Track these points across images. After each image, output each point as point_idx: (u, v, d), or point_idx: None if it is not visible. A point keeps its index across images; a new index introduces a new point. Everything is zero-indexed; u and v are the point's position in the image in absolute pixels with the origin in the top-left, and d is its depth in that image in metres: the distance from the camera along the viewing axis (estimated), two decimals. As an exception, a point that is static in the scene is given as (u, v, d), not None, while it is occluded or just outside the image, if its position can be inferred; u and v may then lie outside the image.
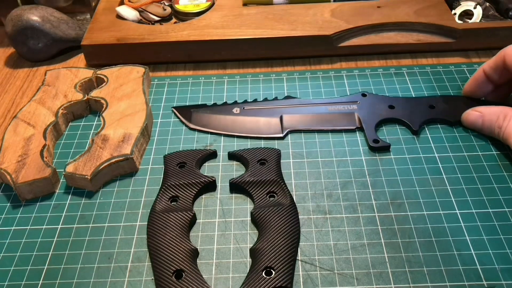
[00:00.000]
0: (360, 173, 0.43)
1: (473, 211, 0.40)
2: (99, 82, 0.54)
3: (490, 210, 0.40)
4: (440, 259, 0.37)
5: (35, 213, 0.42)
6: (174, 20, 0.63)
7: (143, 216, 0.41)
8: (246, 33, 0.56)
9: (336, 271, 0.36)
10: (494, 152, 0.45)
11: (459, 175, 0.43)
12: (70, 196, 0.43)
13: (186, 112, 0.50)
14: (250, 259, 0.37)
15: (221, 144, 0.47)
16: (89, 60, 0.58)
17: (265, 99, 0.51)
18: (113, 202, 0.42)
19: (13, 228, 0.41)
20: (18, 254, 0.39)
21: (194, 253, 0.37)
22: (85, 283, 0.36)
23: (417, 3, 0.59)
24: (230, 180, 0.42)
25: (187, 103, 0.52)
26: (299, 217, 0.40)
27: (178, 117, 0.50)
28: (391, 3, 0.60)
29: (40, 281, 0.37)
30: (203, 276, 0.36)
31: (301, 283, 0.35)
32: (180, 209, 0.40)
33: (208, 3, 0.62)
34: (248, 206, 0.41)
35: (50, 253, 0.39)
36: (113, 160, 0.43)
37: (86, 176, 0.42)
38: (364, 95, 0.50)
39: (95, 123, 0.51)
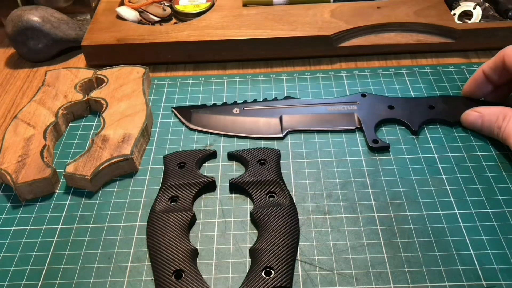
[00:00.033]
0: (359, 173, 0.43)
1: (473, 211, 0.40)
2: (99, 82, 0.54)
3: (489, 210, 0.40)
4: (440, 259, 0.37)
5: (35, 213, 0.42)
6: (174, 20, 0.63)
7: (143, 216, 0.41)
8: (246, 33, 0.56)
9: (335, 271, 0.36)
10: (494, 153, 0.45)
11: (459, 175, 0.43)
12: (70, 196, 0.43)
13: (186, 113, 0.50)
14: (250, 259, 0.37)
15: (220, 144, 0.47)
16: (89, 61, 0.58)
17: (265, 100, 0.52)
18: (113, 202, 0.42)
19: (13, 228, 0.41)
20: (18, 254, 0.39)
21: (194, 253, 0.37)
22: (85, 283, 0.36)
23: (417, 3, 0.59)
24: (229, 180, 0.42)
25: (187, 104, 0.52)
26: (299, 217, 0.40)
27: (178, 118, 0.50)
28: (391, 3, 0.60)
29: (40, 281, 0.37)
30: (203, 276, 0.36)
31: (301, 283, 0.36)
32: (180, 209, 0.40)
33: (208, 3, 0.62)
34: (248, 206, 0.41)
35: (50, 253, 0.39)
36: (113, 161, 0.43)
37: (86, 176, 0.42)
38: (363, 95, 0.51)
39: (95, 123, 0.51)
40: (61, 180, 0.44)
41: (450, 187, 0.42)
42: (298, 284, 0.36)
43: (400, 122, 0.48)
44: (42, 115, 0.49)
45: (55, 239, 0.40)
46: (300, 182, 0.43)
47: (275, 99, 0.52)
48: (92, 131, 0.50)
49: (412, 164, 0.44)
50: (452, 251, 0.37)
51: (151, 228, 0.39)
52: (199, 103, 0.52)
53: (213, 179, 0.43)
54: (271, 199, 0.41)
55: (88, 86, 0.54)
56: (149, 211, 0.41)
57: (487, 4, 0.60)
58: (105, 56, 0.57)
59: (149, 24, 0.61)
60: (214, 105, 0.51)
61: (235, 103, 0.51)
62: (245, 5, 0.62)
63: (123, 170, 0.44)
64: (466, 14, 0.60)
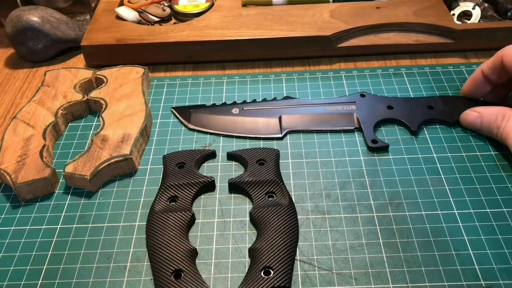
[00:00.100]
0: (358, 173, 0.43)
1: (471, 211, 0.40)
2: (98, 82, 0.54)
3: (488, 210, 0.40)
4: (438, 259, 0.37)
5: (35, 213, 0.42)
6: (173, 20, 0.63)
7: (142, 216, 0.41)
8: (245, 33, 0.57)
9: (334, 271, 0.36)
10: (493, 153, 0.45)
11: (458, 175, 0.43)
12: (69, 196, 0.43)
13: (185, 113, 0.51)
14: (249, 259, 0.37)
15: (220, 145, 0.47)
16: (89, 61, 0.58)
17: (264, 100, 0.52)
18: (112, 202, 0.42)
19: (13, 228, 0.41)
20: (17, 254, 0.39)
21: (193, 253, 0.37)
22: (84, 283, 0.36)
23: (416, 3, 0.59)
24: (229, 180, 0.43)
25: (186, 104, 0.52)
26: (298, 217, 0.40)
27: (177, 118, 0.50)
28: (390, 4, 0.60)
29: (40, 281, 0.37)
30: (202, 276, 0.36)
31: (300, 283, 0.36)
32: (179, 209, 0.40)
33: (208, 3, 0.62)
34: (247, 206, 0.41)
35: (50, 253, 0.39)
36: (113, 161, 0.43)
37: (86, 176, 0.42)
38: (363, 95, 0.51)
39: (94, 123, 0.51)
40: (60, 180, 0.45)
41: (449, 187, 0.42)
42: (297, 284, 0.36)
43: (399, 122, 0.48)
44: (42, 115, 0.49)
45: (54, 239, 0.40)
46: (299, 182, 0.43)
47: (274, 99, 0.52)
48: (91, 131, 0.50)
49: (411, 164, 0.44)
50: (451, 251, 0.37)
51: (150, 228, 0.39)
52: (199, 103, 0.52)
53: (212, 179, 0.43)
54: (270, 199, 0.41)
55: (88, 86, 0.54)
56: (148, 211, 0.41)
57: (486, 4, 0.60)
58: (105, 56, 0.57)
59: (148, 25, 0.61)
60: (214, 105, 0.52)
61: (234, 103, 0.51)
62: (244, 5, 0.62)
63: (122, 170, 0.44)
64: (465, 14, 0.60)
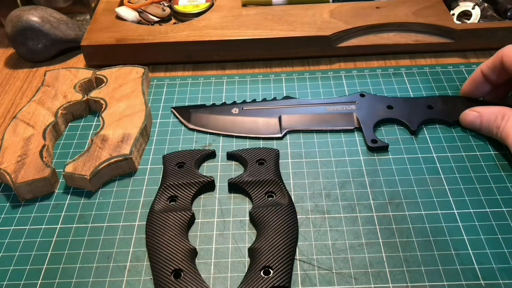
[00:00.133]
0: (358, 173, 0.43)
1: (471, 211, 0.40)
2: (98, 82, 0.54)
3: (488, 210, 0.40)
4: (438, 258, 0.37)
5: (34, 213, 0.42)
6: (173, 20, 0.63)
7: (142, 216, 0.41)
8: (245, 33, 0.57)
9: (334, 271, 0.36)
10: (492, 152, 0.45)
11: (457, 175, 0.43)
12: (69, 196, 0.43)
13: (185, 113, 0.51)
14: (249, 259, 0.37)
15: (220, 144, 0.47)
16: (89, 61, 0.58)
17: (264, 100, 0.52)
18: (112, 202, 0.42)
19: (13, 228, 0.41)
20: (17, 253, 0.39)
21: (193, 253, 0.37)
22: (84, 282, 0.37)
23: (416, 3, 0.59)
24: (228, 180, 0.43)
25: (186, 104, 0.52)
26: (298, 216, 0.40)
27: (177, 118, 0.50)
28: (390, 4, 0.60)
29: (39, 281, 0.37)
30: (202, 276, 0.36)
31: (299, 283, 0.36)
32: (179, 209, 0.40)
33: (208, 3, 0.62)
34: (247, 206, 0.41)
35: (49, 252, 0.39)
36: (112, 160, 0.43)
37: (85, 176, 0.42)
38: (362, 95, 0.51)
39: (94, 123, 0.51)
40: (60, 180, 0.45)
41: (448, 186, 0.42)
42: (297, 284, 0.36)
43: (399, 122, 0.48)
44: (42, 115, 0.49)
45: (54, 239, 0.40)
46: (299, 181, 0.43)
47: (274, 99, 0.52)
48: (91, 131, 0.50)
49: (411, 163, 0.44)
50: (450, 251, 0.37)
51: (150, 227, 0.39)
52: (198, 103, 0.52)
53: (212, 178, 0.43)
54: (270, 198, 0.41)
55: (88, 86, 0.54)
56: (148, 210, 0.41)
57: (486, 4, 0.60)
58: (105, 56, 0.57)
59: (148, 24, 0.61)
60: (213, 105, 0.52)
61: (234, 103, 0.51)
62: (244, 5, 0.62)
63: (122, 170, 0.44)
64: (465, 14, 0.60)
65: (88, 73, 0.54)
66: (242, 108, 0.50)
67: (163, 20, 0.63)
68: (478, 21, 0.58)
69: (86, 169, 0.42)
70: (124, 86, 0.52)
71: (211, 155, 0.46)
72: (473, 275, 0.35)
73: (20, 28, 0.57)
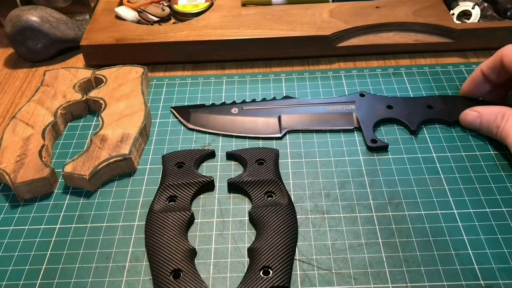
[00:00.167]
0: (358, 173, 0.43)
1: (471, 210, 0.40)
2: (98, 82, 0.54)
3: (487, 210, 0.40)
4: (438, 258, 0.37)
5: (34, 213, 0.42)
6: (173, 20, 0.63)
7: (141, 216, 0.41)
8: (245, 33, 0.56)
9: (333, 271, 0.36)
10: (492, 152, 0.45)
11: (457, 175, 0.43)
12: (68, 196, 0.43)
13: (184, 112, 0.51)
14: (248, 259, 0.37)
15: (219, 144, 0.47)
16: (88, 61, 0.58)
17: (264, 99, 0.52)
18: (112, 202, 0.42)
19: (12, 228, 0.41)
20: (16, 253, 0.39)
21: (192, 253, 0.37)
22: (83, 282, 0.36)
23: (416, 3, 0.59)
24: (228, 180, 0.43)
25: (186, 103, 0.52)
26: (297, 216, 0.40)
27: (177, 117, 0.50)
28: (390, 3, 0.60)
29: (38, 281, 0.37)
30: (201, 276, 0.36)
31: (299, 283, 0.36)
32: (178, 209, 0.40)
33: (207, 3, 0.62)
34: (246, 206, 0.41)
35: (48, 252, 0.39)
36: (112, 160, 0.43)
37: (85, 176, 0.42)
38: (362, 95, 0.51)
39: (93, 123, 0.51)
40: (59, 180, 0.44)
41: (448, 186, 0.42)
42: (296, 284, 0.36)
43: (399, 121, 0.48)
44: (41, 115, 0.49)
45: (53, 239, 0.40)
46: (298, 181, 0.43)
47: (274, 99, 0.52)
48: (90, 131, 0.50)
49: (410, 163, 0.44)
50: (450, 251, 0.37)
51: (149, 227, 0.39)
52: (198, 103, 0.52)
53: (212, 178, 0.43)
54: (269, 198, 0.41)
55: (87, 86, 0.54)
56: (147, 210, 0.41)
57: (485, 4, 0.60)
58: (104, 56, 0.57)
59: (148, 24, 0.61)
60: (213, 105, 0.51)
61: (233, 103, 0.51)
62: (244, 5, 0.62)
63: (121, 169, 0.44)
64: (465, 14, 0.60)
65: (87, 73, 0.54)
66: (242, 108, 0.50)
67: (163, 20, 0.62)
68: (478, 20, 0.58)
69: (85, 169, 0.42)
70: (123, 86, 0.52)
71: (211, 155, 0.46)
72: (473, 275, 0.35)
73: (19, 28, 0.57)
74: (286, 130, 0.48)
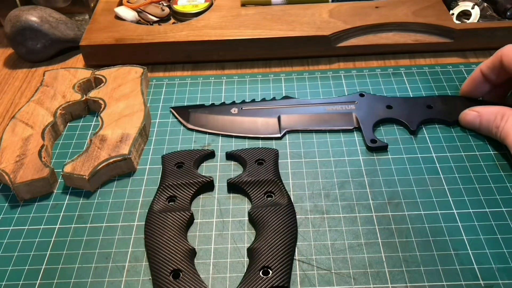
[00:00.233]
0: (357, 173, 0.43)
1: (470, 210, 0.40)
2: (97, 82, 0.54)
3: (487, 209, 0.40)
4: (437, 258, 0.37)
5: (33, 213, 0.42)
6: (172, 20, 0.63)
7: (140, 216, 0.41)
8: (244, 33, 0.56)
9: (333, 271, 0.36)
10: (492, 152, 0.45)
11: (457, 175, 0.43)
12: (68, 196, 0.43)
13: (184, 112, 0.50)
14: (248, 259, 0.37)
15: (219, 144, 0.47)
16: (88, 61, 0.58)
17: (263, 99, 0.52)
18: (111, 202, 0.42)
19: (11, 228, 0.41)
20: (16, 254, 0.39)
21: (192, 253, 0.37)
22: (83, 282, 0.36)
23: (415, 3, 0.59)
24: (227, 180, 0.42)
25: (185, 104, 0.52)
26: (297, 217, 0.40)
27: (176, 117, 0.50)
28: (389, 3, 0.60)
29: (38, 281, 0.37)
30: (201, 276, 0.36)
31: (298, 283, 0.36)
32: (178, 209, 0.40)
33: (207, 3, 0.62)
34: (246, 206, 0.41)
35: (48, 252, 0.39)
36: (111, 160, 0.43)
37: (84, 176, 0.42)
38: (362, 95, 0.51)
39: (93, 123, 0.51)
40: (59, 180, 0.44)
41: (448, 186, 0.42)
42: (296, 284, 0.35)
43: (398, 121, 0.48)
44: (40, 115, 0.49)
45: (53, 239, 0.40)
46: (298, 181, 0.43)
47: (274, 99, 0.52)
48: (90, 131, 0.50)
49: (410, 163, 0.44)
50: (450, 251, 0.37)
51: (149, 227, 0.39)
52: (197, 103, 0.52)
53: (211, 179, 0.43)
54: (269, 198, 0.41)
55: (87, 86, 0.54)
56: (147, 211, 0.41)
57: (485, 4, 0.60)
58: (104, 56, 0.57)
59: (147, 24, 0.61)
60: (213, 105, 0.51)
61: (233, 103, 0.51)
62: (243, 5, 0.62)
63: (121, 170, 0.44)
64: (465, 14, 0.60)
65: (87, 73, 0.54)
66: (241, 108, 0.50)
67: (162, 20, 0.62)
68: (478, 21, 0.58)
69: (85, 169, 0.42)
70: (123, 86, 0.52)
71: (210, 155, 0.46)
72: (473, 275, 0.35)
73: (19, 28, 0.57)
74: (285, 130, 0.48)
